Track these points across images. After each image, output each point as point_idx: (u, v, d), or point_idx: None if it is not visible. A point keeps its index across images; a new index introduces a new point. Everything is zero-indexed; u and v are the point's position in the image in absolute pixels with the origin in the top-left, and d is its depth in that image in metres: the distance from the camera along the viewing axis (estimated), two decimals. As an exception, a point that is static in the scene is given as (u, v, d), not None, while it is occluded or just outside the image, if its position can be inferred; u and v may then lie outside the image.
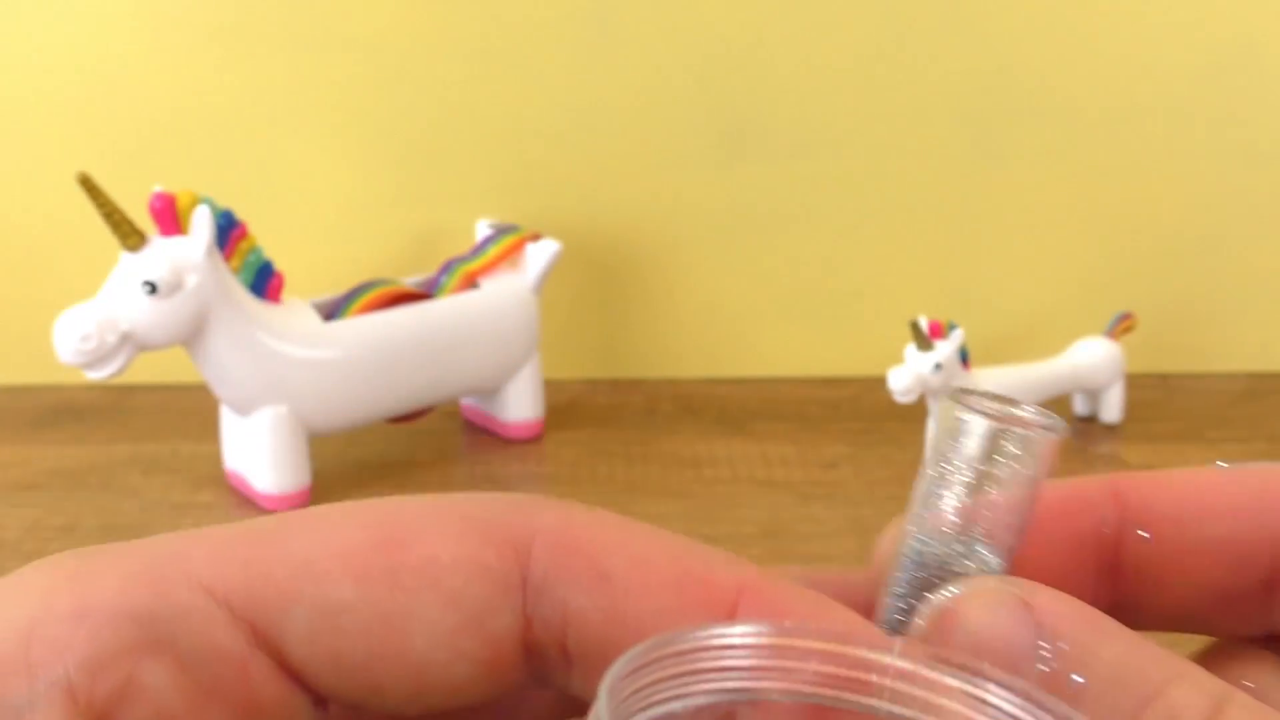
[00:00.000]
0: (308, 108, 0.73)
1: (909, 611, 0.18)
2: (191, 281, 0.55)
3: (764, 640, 0.17)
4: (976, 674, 0.17)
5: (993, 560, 0.18)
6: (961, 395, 0.19)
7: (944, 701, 0.17)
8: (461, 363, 0.64)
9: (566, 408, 0.73)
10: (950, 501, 0.19)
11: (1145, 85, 0.77)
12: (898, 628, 0.18)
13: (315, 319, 0.60)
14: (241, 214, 0.58)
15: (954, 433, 0.19)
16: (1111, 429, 0.72)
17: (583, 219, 0.76)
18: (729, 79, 0.75)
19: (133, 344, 0.55)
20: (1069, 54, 0.76)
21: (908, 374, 0.62)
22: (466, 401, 0.71)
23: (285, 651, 0.17)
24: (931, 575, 0.18)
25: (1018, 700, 0.16)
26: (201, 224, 0.55)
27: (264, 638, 0.17)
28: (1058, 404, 0.72)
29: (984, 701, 0.16)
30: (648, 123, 0.75)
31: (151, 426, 0.70)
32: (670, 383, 0.79)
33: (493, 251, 0.67)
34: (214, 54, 0.72)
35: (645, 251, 0.77)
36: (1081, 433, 0.72)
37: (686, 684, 0.16)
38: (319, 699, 0.18)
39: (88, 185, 0.53)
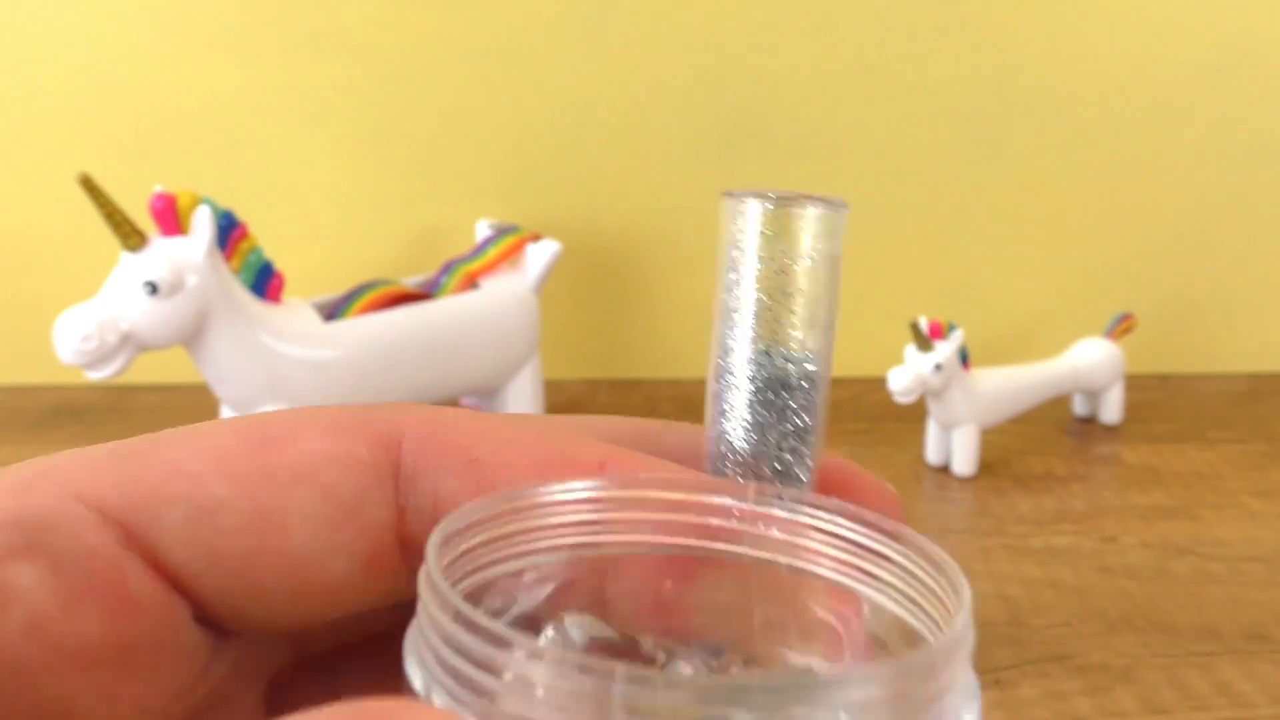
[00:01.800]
0: (308, 108, 0.73)
1: (752, 432, 0.18)
2: (192, 282, 0.55)
3: (610, 493, 0.16)
4: (833, 511, 0.17)
5: (813, 346, 0.18)
6: (735, 193, 0.18)
7: (802, 540, 0.17)
8: (462, 363, 0.64)
9: (566, 408, 0.73)
10: (754, 300, 0.18)
11: (1145, 85, 0.78)
12: (736, 453, 0.18)
13: (315, 319, 0.60)
14: (242, 214, 0.58)
15: (741, 228, 0.18)
16: (1111, 429, 0.72)
17: (583, 219, 0.76)
18: (729, 79, 0.75)
19: (133, 344, 0.55)
20: (1069, 54, 0.76)
21: (908, 374, 0.62)
22: (467, 401, 0.71)
23: (160, 553, 0.17)
24: (761, 382, 0.18)
25: (868, 531, 0.17)
26: (202, 224, 0.55)
27: (137, 540, 0.17)
28: (1058, 404, 0.72)
29: (837, 535, 0.17)
30: (648, 123, 0.75)
31: (151, 426, 0.70)
32: (670, 383, 0.79)
33: (493, 252, 0.67)
34: (215, 54, 0.72)
35: (645, 251, 0.77)
36: (1081, 433, 0.72)
37: (525, 542, 0.16)
38: (202, 612, 0.17)
39: (88, 185, 0.53)
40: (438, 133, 0.74)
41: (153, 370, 0.71)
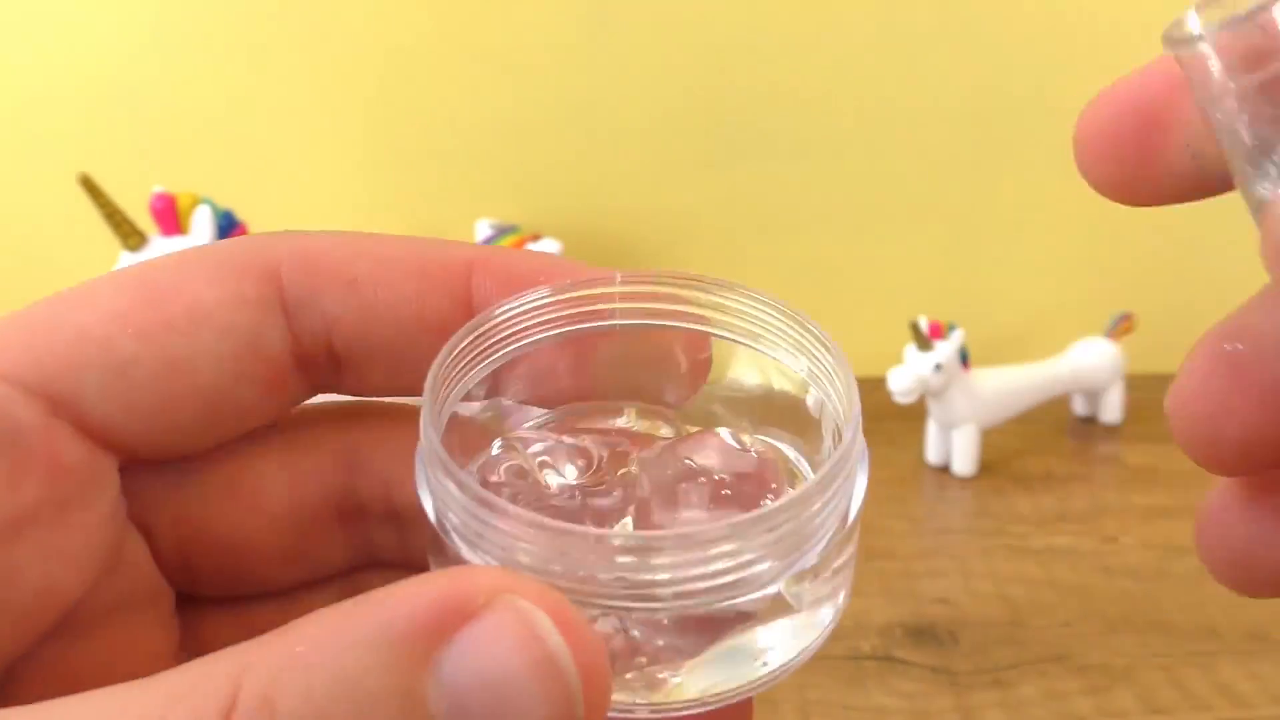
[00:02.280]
0: (309, 109, 0.73)
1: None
2: (192, 282, 0.55)
3: (518, 308, 0.20)
4: (698, 282, 0.20)
5: None
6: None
7: (665, 306, 0.20)
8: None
9: (566, 408, 0.73)
10: None
11: (1145, 85, 0.77)
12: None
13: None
14: (241, 214, 0.58)
15: None
16: (1111, 429, 0.72)
17: (583, 219, 0.76)
18: (729, 79, 0.75)
19: (133, 344, 0.55)
20: (1069, 54, 0.76)
21: (908, 374, 0.62)
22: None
23: (84, 414, 0.18)
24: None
25: (736, 295, 0.20)
26: (202, 224, 0.55)
27: (62, 406, 0.18)
28: (1058, 404, 0.72)
29: (701, 302, 0.20)
30: (648, 123, 0.75)
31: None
32: (670, 383, 0.79)
33: (493, 251, 0.67)
34: (215, 55, 0.72)
35: (645, 252, 0.77)
36: (1081, 433, 0.72)
37: (479, 357, 0.20)
38: (122, 457, 0.19)
39: (88, 185, 0.53)
40: (438, 133, 0.74)
41: (153, 370, 0.71)
